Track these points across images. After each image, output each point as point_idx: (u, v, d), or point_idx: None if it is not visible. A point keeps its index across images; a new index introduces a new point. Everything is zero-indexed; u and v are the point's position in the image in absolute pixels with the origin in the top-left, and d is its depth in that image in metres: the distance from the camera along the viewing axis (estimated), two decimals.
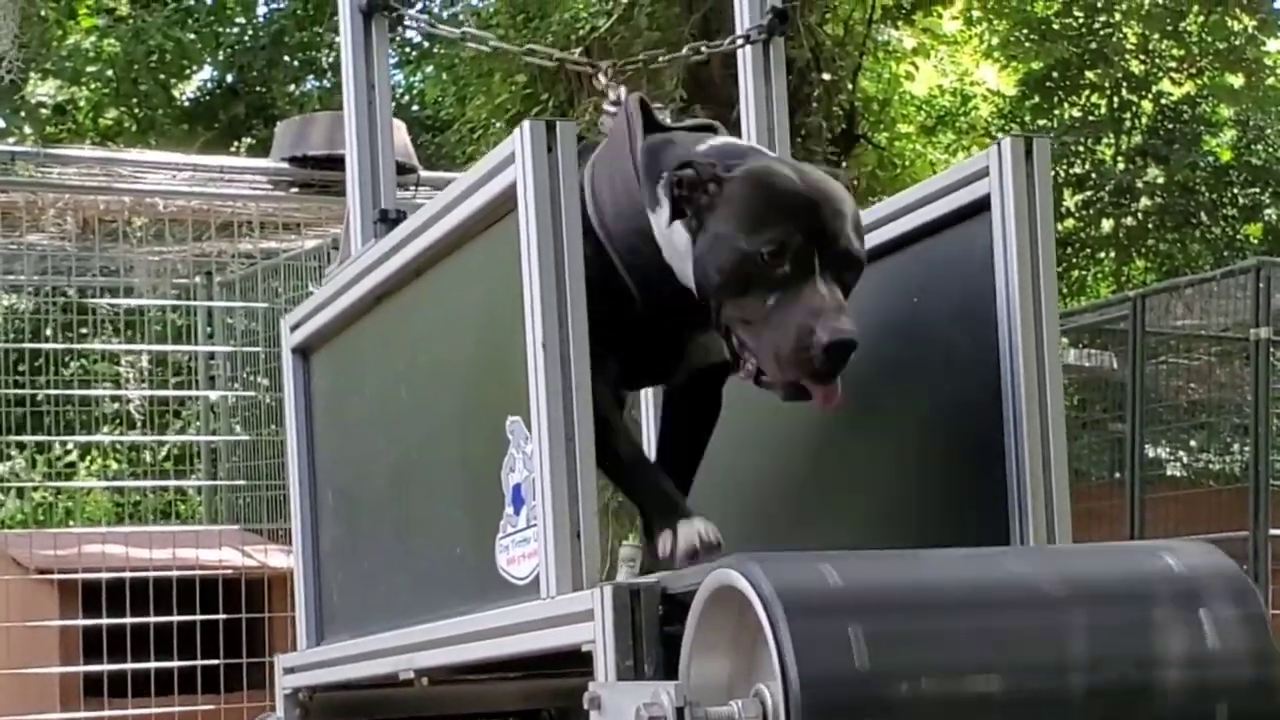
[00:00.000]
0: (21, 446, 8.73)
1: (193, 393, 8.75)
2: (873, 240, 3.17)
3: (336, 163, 6.63)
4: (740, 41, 3.64)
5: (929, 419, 3.09)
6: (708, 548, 2.85)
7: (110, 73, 15.94)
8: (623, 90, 3.28)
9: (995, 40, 15.69)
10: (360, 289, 3.37)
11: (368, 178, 3.51)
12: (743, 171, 2.82)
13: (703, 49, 3.60)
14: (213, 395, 8.68)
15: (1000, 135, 13.19)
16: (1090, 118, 15.64)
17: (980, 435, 2.94)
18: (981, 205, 2.97)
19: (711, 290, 2.80)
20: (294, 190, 6.99)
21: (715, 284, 2.78)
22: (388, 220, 3.45)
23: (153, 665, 6.44)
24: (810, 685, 2.20)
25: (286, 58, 16.64)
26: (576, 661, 2.66)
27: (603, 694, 2.49)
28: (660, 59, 3.59)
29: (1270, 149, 15.84)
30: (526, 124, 2.70)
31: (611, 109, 3.25)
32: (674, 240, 2.87)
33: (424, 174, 7.01)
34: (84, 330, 8.62)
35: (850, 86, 12.54)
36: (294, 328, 3.73)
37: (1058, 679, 2.35)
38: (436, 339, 3.13)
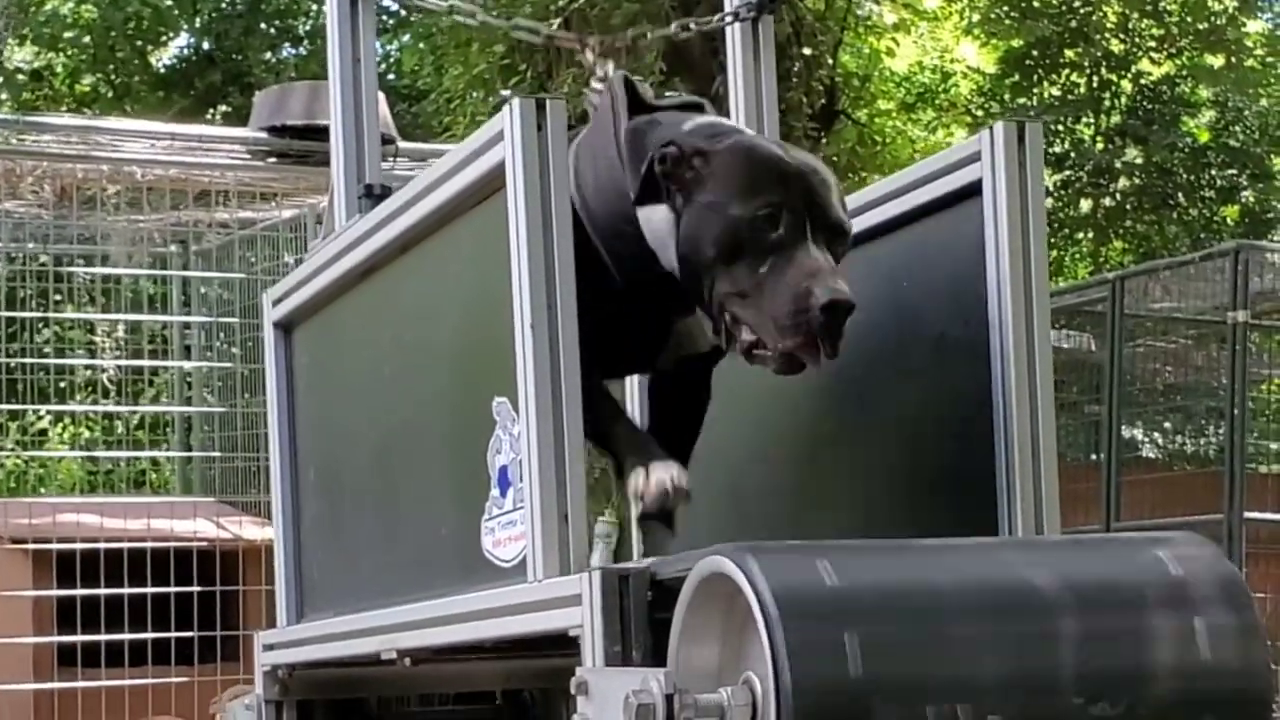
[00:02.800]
0: None
1: (168, 363, 8.71)
2: (862, 223, 3.14)
3: (315, 133, 6.63)
4: (729, 18, 3.61)
5: (917, 405, 3.07)
6: (679, 493, 2.84)
7: (87, 39, 15.85)
8: (610, 67, 3.25)
9: (976, 17, 15.66)
10: (344, 264, 3.34)
11: (352, 152, 3.47)
12: (727, 145, 2.82)
13: (691, 25, 3.56)
14: (187, 365, 8.65)
15: (979, 113, 13.11)
16: (1070, 97, 15.63)
17: (969, 421, 2.92)
18: (972, 190, 2.95)
19: (702, 263, 2.77)
20: (272, 160, 6.96)
21: (706, 256, 2.76)
22: (372, 195, 3.41)
23: (126, 637, 6.42)
24: (803, 695, 2.19)
25: (263, 25, 16.56)
26: (558, 643, 2.64)
27: (590, 679, 2.47)
28: (648, 34, 3.55)
29: (1248, 131, 15.85)
30: (516, 101, 2.67)
31: (598, 86, 3.21)
32: (654, 222, 2.85)
33: (402, 145, 6.98)
34: (58, 298, 8.58)
35: (831, 62, 12.50)
36: (276, 302, 3.70)
37: (1049, 692, 2.34)
38: (421, 317, 3.10)
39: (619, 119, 2.93)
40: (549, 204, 2.66)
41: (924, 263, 3.08)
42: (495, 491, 2.79)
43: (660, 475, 2.84)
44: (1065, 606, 2.35)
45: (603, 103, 3.03)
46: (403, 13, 15.21)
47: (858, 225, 3.14)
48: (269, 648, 3.71)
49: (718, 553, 2.33)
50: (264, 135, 6.82)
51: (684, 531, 3.44)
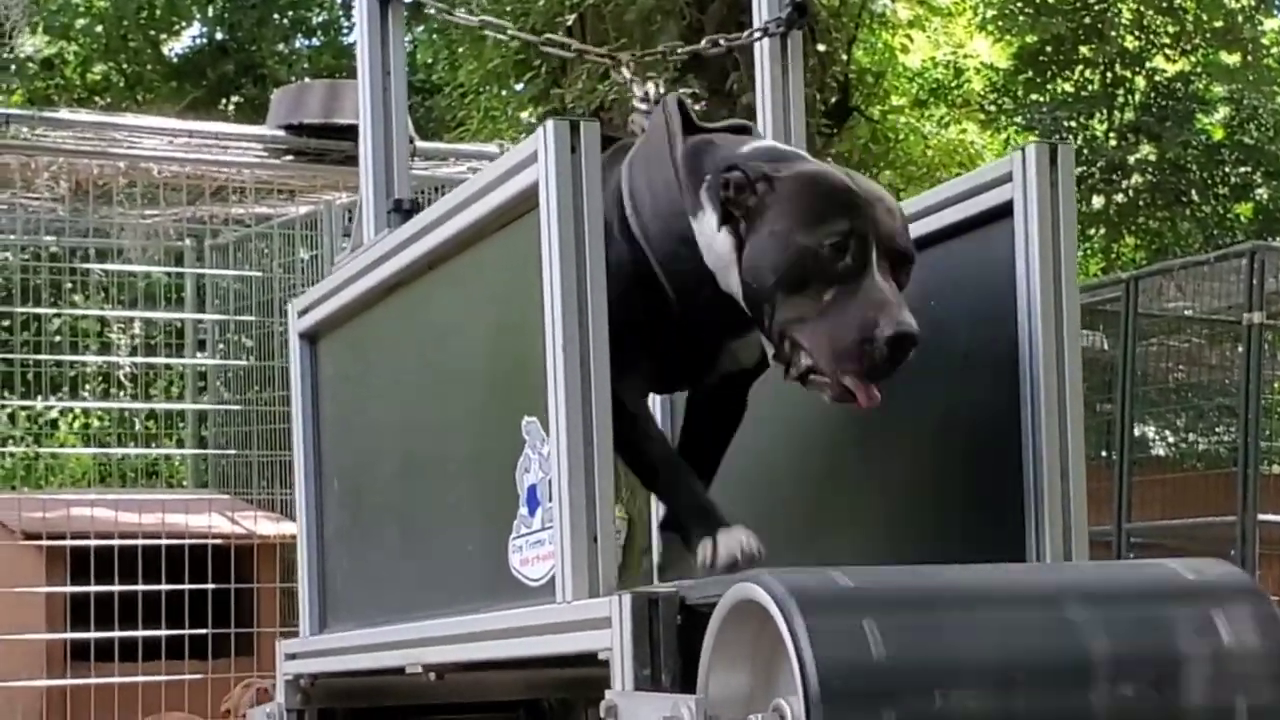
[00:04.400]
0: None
1: (183, 361, 8.73)
2: None
3: (332, 131, 6.64)
4: (758, 34, 3.60)
5: (944, 424, 3.07)
6: (749, 559, 2.81)
7: (99, 28, 15.85)
8: (650, 87, 3.24)
9: (990, 13, 15.64)
10: (372, 278, 3.34)
11: (381, 166, 3.48)
12: (794, 172, 2.81)
13: (721, 42, 3.56)
14: (201, 362, 8.66)
15: (992, 110, 13.03)
16: (1083, 93, 15.60)
17: (997, 442, 2.92)
18: (1003, 211, 2.95)
19: (765, 290, 2.75)
20: (288, 158, 6.96)
21: (770, 282, 2.74)
22: (401, 210, 3.42)
23: (140, 634, 6.43)
24: (828, 675, 2.19)
25: (276, 16, 16.55)
26: (579, 657, 2.64)
27: (620, 703, 2.47)
28: (679, 50, 3.54)
29: (1263, 128, 15.82)
30: (550, 123, 2.67)
31: (642, 105, 3.20)
32: (717, 245, 2.83)
33: (421, 144, 6.99)
34: (69, 286, 8.60)
35: (845, 58, 12.49)
36: (302, 313, 3.70)
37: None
38: (449, 334, 3.11)
39: (675, 142, 2.91)
40: (582, 225, 2.66)
41: (953, 282, 3.07)
42: (524, 510, 2.79)
43: (729, 544, 2.83)
44: (1103, 641, 2.35)
45: (654, 124, 3.01)
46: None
47: None
48: (291, 657, 3.72)
49: (748, 579, 2.33)
50: (281, 133, 6.82)
51: None
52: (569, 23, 10.81)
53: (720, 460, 3.22)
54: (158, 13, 15.78)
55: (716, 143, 2.94)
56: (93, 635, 6.45)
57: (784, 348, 2.78)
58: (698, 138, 2.95)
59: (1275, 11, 15.33)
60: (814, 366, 2.75)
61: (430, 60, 14.08)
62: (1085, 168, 15.11)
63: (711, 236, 2.84)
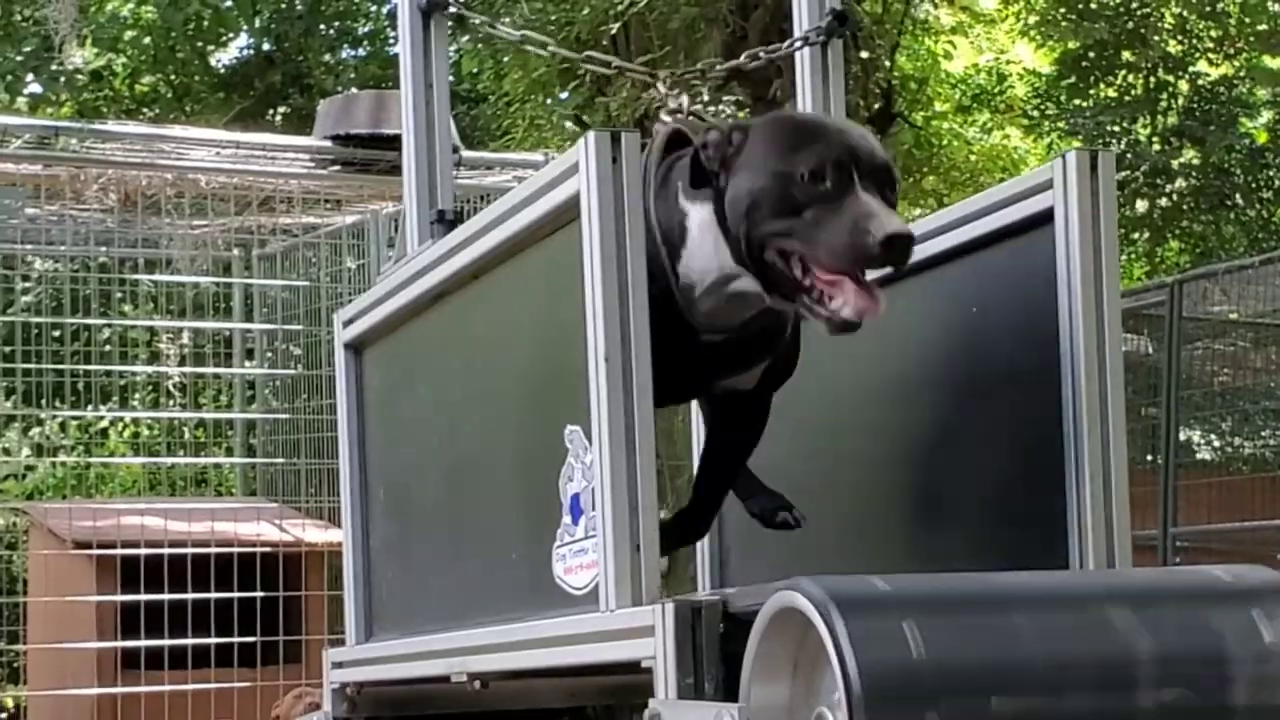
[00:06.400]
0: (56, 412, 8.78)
1: (232, 370, 8.78)
2: (932, 248, 3.16)
3: (379, 141, 6.69)
4: (799, 44, 3.62)
5: (986, 431, 3.07)
6: None
7: (147, 40, 15.94)
8: (684, 100, 3.26)
9: (1032, 19, 15.59)
10: (416, 289, 3.36)
11: (424, 178, 3.50)
12: (765, 119, 2.87)
13: (761, 55, 3.57)
14: (250, 372, 8.71)
15: (1035, 115, 13.01)
16: (1126, 98, 15.55)
17: (1039, 449, 2.92)
18: (1044, 218, 2.95)
19: (748, 219, 2.75)
20: (335, 168, 7.01)
21: (754, 213, 2.74)
22: (444, 221, 3.44)
23: (189, 641, 6.48)
24: (870, 682, 2.19)
25: (323, 26, 16.61)
26: (622, 664, 2.66)
27: (663, 712, 2.49)
28: (718, 67, 3.55)
29: None
30: (591, 135, 2.69)
31: (667, 119, 3.21)
32: (699, 224, 2.84)
33: (467, 154, 7.03)
34: (119, 295, 8.66)
35: (888, 64, 12.50)
36: (347, 323, 3.73)
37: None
38: (492, 344, 3.13)
39: (648, 184, 2.89)
40: (623, 236, 2.68)
41: (994, 289, 3.08)
42: (567, 519, 2.81)
43: None
44: (1146, 644, 2.36)
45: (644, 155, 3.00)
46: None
47: (928, 249, 3.16)
48: (337, 665, 3.75)
49: (791, 587, 2.34)
50: (328, 143, 6.87)
51: (752, 554, 3.46)
52: (613, 32, 10.85)
53: (737, 469, 3.22)
54: (205, 24, 15.84)
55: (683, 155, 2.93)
56: (143, 644, 6.50)
57: (774, 265, 2.75)
58: (668, 160, 2.94)
59: None
60: (808, 281, 2.72)
61: (476, 69, 14.09)
62: (1129, 172, 15.05)
63: (697, 226, 2.84)
